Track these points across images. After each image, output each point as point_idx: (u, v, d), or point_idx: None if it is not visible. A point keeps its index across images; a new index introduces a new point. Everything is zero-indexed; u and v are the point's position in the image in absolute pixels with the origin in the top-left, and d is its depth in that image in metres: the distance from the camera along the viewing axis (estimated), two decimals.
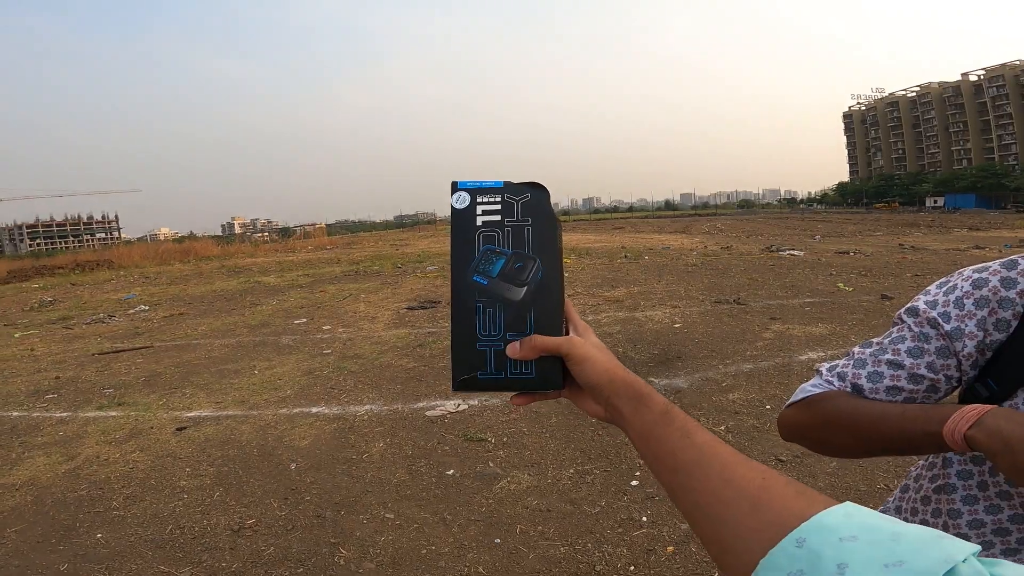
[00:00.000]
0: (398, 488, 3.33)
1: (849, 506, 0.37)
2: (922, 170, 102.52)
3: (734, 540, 0.40)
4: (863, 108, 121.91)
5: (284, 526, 2.99)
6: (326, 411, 4.63)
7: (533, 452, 3.68)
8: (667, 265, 13.06)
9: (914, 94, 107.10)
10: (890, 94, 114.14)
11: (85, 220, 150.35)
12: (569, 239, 24.48)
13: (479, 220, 0.56)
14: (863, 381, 0.85)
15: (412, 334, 7.19)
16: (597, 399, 0.53)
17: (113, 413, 4.88)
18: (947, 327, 0.81)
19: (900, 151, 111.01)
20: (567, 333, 0.56)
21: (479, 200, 0.57)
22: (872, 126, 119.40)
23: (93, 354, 7.19)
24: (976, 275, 0.82)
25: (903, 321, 0.86)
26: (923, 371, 0.82)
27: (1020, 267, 0.79)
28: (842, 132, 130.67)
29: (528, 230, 0.56)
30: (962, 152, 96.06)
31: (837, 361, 0.91)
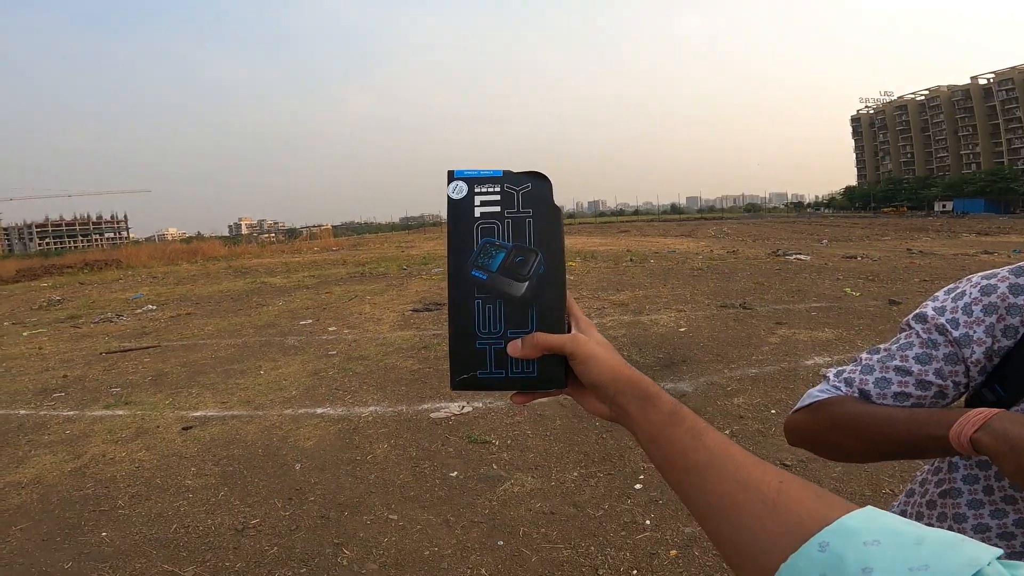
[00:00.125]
0: (402, 489, 3.33)
1: (871, 510, 0.37)
2: (931, 174, 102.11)
3: (752, 544, 0.40)
4: (871, 111, 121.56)
5: (288, 526, 2.99)
6: (331, 412, 4.64)
7: (537, 455, 3.67)
8: (672, 269, 13.04)
9: (923, 97, 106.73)
10: (899, 97, 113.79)
11: (94, 220, 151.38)
12: (574, 242, 24.49)
13: (477, 211, 0.54)
14: (870, 387, 0.84)
15: (417, 336, 7.20)
16: (601, 398, 0.51)
17: (120, 412, 4.91)
18: (955, 333, 0.80)
19: (908, 155, 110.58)
20: (570, 330, 0.54)
21: (477, 190, 0.54)
22: (880, 129, 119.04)
23: (100, 353, 7.23)
24: (985, 281, 0.82)
25: (911, 327, 0.86)
26: (931, 377, 0.81)
27: None
28: (850, 136, 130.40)
29: (529, 222, 0.54)
30: (971, 156, 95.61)
31: (844, 367, 0.91)
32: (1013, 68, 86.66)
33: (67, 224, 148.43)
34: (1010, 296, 0.79)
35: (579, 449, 3.71)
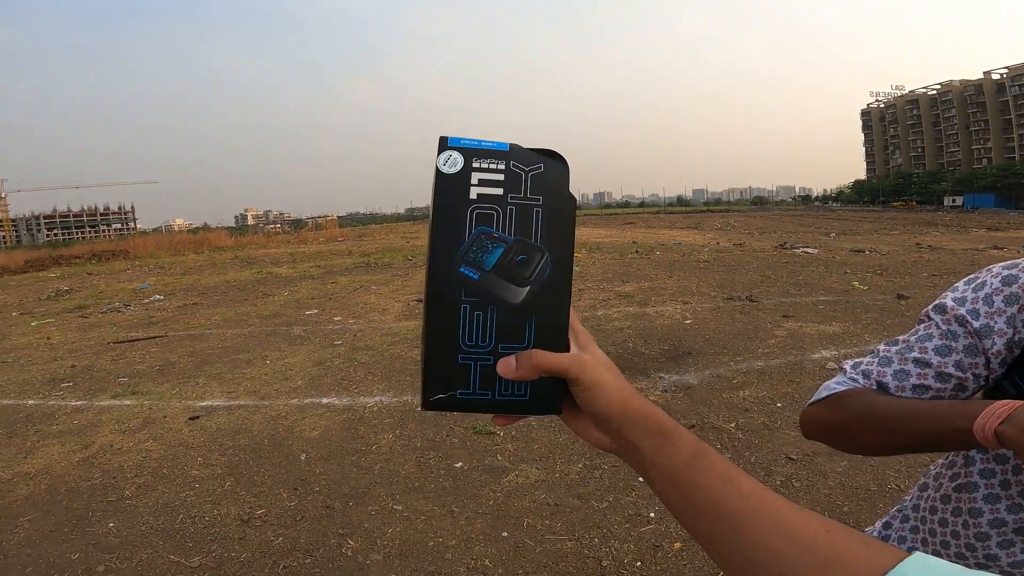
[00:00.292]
0: (406, 480, 3.34)
1: (921, 557, 0.35)
2: (941, 169, 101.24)
3: None
4: (882, 105, 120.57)
5: (293, 516, 3.01)
6: (336, 402, 4.66)
7: (542, 446, 3.68)
8: (678, 261, 12.99)
9: (935, 92, 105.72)
10: (910, 92, 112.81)
11: (101, 211, 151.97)
12: (579, 233, 24.42)
13: (474, 192, 0.43)
14: (888, 379, 0.83)
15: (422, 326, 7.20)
16: (603, 429, 0.45)
17: (127, 402, 4.94)
18: (976, 324, 0.79)
19: (919, 149, 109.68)
20: (569, 347, 0.46)
21: (476, 165, 0.44)
22: (891, 124, 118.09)
23: (108, 343, 7.28)
24: (1006, 271, 0.80)
25: (930, 318, 0.85)
26: (951, 369, 0.80)
27: None
28: (859, 129, 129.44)
29: (538, 212, 0.44)
30: (982, 151, 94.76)
31: (861, 359, 0.90)
32: None
33: (75, 215, 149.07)
34: None
35: (584, 441, 3.70)
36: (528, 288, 0.44)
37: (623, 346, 5.83)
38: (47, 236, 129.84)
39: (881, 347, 0.88)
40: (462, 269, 0.43)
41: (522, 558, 2.59)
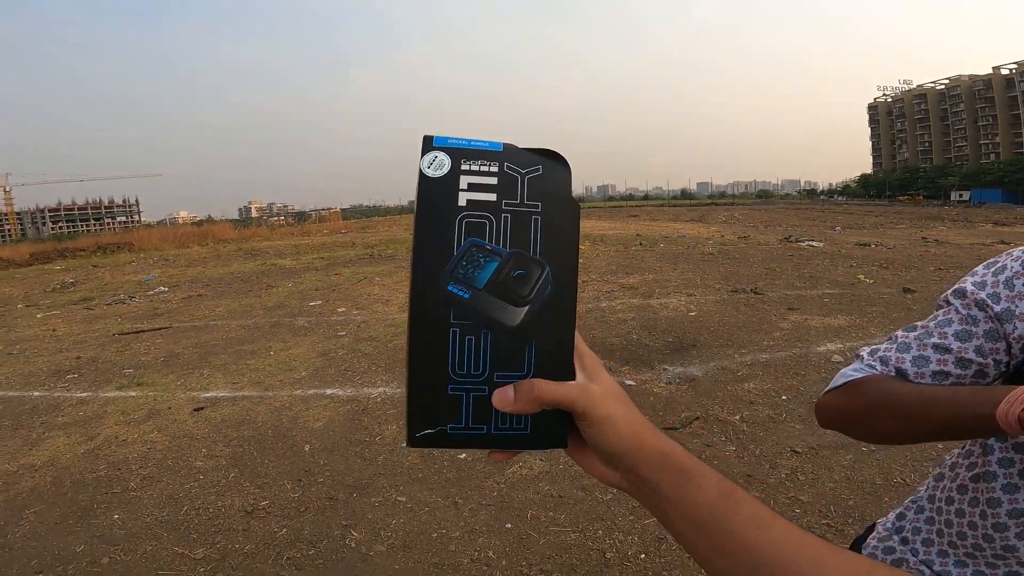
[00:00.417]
0: (410, 471, 3.34)
1: None
2: (948, 163, 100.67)
3: None
4: (889, 99, 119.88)
5: (297, 508, 3.01)
6: (340, 393, 4.66)
7: None
8: (683, 253, 12.95)
9: (943, 87, 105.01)
10: (918, 86, 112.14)
11: (106, 204, 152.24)
12: (583, 226, 24.33)
13: (463, 198, 0.39)
14: (907, 365, 0.82)
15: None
16: (613, 465, 0.41)
17: (132, 393, 4.95)
18: (996, 308, 0.77)
19: (926, 144, 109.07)
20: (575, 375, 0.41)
21: (465, 167, 0.39)
22: (898, 118, 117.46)
23: (113, 334, 7.30)
24: None
25: (949, 303, 0.83)
26: (971, 355, 0.78)
27: None
28: (866, 124, 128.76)
29: (536, 220, 0.39)
30: (990, 146, 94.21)
31: (879, 345, 0.88)
32: None
33: (79, 208, 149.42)
34: None
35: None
36: (527, 308, 0.39)
37: (627, 337, 5.82)
38: (52, 229, 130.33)
39: (899, 333, 0.86)
40: (450, 287, 0.38)
41: (526, 550, 2.59)
